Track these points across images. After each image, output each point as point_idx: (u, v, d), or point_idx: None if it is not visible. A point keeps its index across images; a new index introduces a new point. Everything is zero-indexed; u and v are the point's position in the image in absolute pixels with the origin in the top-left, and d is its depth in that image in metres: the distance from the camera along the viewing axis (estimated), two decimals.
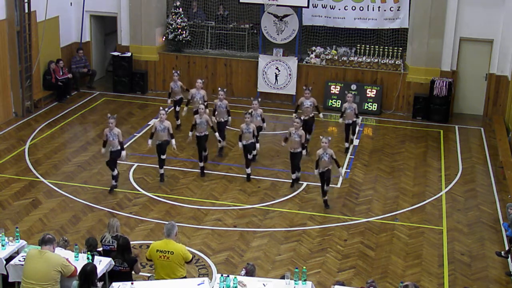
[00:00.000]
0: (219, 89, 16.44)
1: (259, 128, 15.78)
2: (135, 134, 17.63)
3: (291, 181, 14.80)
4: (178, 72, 17.98)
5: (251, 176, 15.03)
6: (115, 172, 14.25)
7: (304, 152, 14.52)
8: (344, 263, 11.86)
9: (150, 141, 14.77)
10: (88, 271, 8.90)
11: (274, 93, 20.41)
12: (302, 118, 15.54)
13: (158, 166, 14.89)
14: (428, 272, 11.65)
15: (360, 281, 11.12)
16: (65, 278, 9.32)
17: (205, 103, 16.30)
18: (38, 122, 18.21)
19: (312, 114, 16.19)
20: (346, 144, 16.82)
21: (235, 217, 13.36)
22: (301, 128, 14.41)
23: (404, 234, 12.90)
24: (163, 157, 14.70)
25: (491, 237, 12.93)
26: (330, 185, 14.03)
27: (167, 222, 9.91)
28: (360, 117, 18.19)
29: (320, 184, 13.90)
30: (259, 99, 16.44)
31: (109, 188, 14.24)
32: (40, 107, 19.16)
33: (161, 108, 14.79)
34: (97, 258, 9.83)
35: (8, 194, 14.01)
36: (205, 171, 15.22)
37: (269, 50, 20.47)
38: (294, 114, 15.63)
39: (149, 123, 18.42)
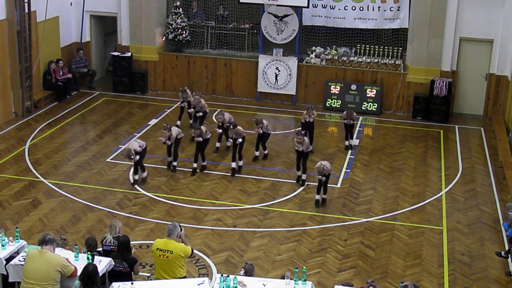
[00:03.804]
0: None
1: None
2: (135, 134, 17.62)
3: (295, 180, 14.94)
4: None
5: (250, 177, 15.10)
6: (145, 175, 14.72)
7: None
8: (344, 263, 11.86)
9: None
10: (90, 271, 8.89)
11: (274, 93, 20.40)
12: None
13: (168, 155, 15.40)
14: (428, 272, 11.65)
15: (360, 281, 11.12)
16: (65, 278, 9.32)
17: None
18: (38, 122, 18.21)
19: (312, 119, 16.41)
20: (347, 143, 16.94)
21: (235, 217, 13.36)
22: (304, 140, 14.45)
23: (404, 234, 12.90)
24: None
25: (491, 237, 12.93)
26: (329, 185, 14.08)
27: (169, 223, 9.93)
28: (360, 117, 18.17)
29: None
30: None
31: (131, 182, 14.68)
32: (40, 107, 19.15)
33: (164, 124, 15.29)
34: (97, 258, 9.82)
35: (8, 194, 14.01)
36: (197, 171, 15.31)
37: (269, 50, 20.46)
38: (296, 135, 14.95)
39: (149, 123, 18.42)
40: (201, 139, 14.93)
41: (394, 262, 11.93)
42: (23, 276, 9.26)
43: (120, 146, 16.73)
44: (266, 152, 16.16)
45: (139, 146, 14.28)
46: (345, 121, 16.71)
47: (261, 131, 15.66)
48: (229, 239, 12.53)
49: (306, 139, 14.65)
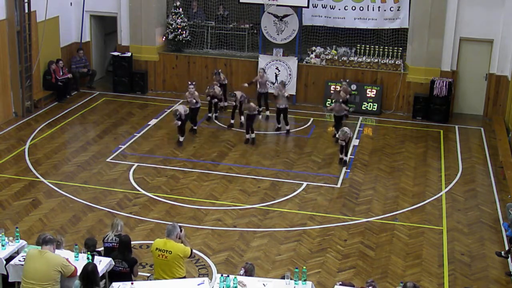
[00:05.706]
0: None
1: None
2: (135, 134, 17.63)
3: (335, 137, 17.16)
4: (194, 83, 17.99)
5: (252, 177, 15.12)
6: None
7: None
8: (344, 263, 11.86)
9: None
10: (90, 270, 8.89)
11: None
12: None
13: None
14: (428, 272, 11.65)
15: (360, 281, 11.12)
16: (65, 278, 9.32)
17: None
18: (38, 122, 18.21)
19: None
20: (277, 124, 18.14)
21: (235, 217, 13.36)
22: (342, 108, 17.03)
23: (404, 234, 12.89)
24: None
25: (491, 237, 12.93)
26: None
27: (169, 223, 9.92)
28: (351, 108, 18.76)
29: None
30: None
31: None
32: (40, 107, 19.15)
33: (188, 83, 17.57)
34: (97, 258, 9.82)
35: (8, 194, 14.01)
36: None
37: (269, 50, 20.47)
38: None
39: (149, 123, 18.43)
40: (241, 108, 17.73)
41: (394, 262, 11.93)
42: (23, 276, 9.27)
43: (120, 146, 16.74)
44: (288, 128, 17.85)
45: (184, 111, 16.36)
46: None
47: (282, 106, 17.58)
48: (229, 239, 12.53)
49: (343, 105, 17.20)
